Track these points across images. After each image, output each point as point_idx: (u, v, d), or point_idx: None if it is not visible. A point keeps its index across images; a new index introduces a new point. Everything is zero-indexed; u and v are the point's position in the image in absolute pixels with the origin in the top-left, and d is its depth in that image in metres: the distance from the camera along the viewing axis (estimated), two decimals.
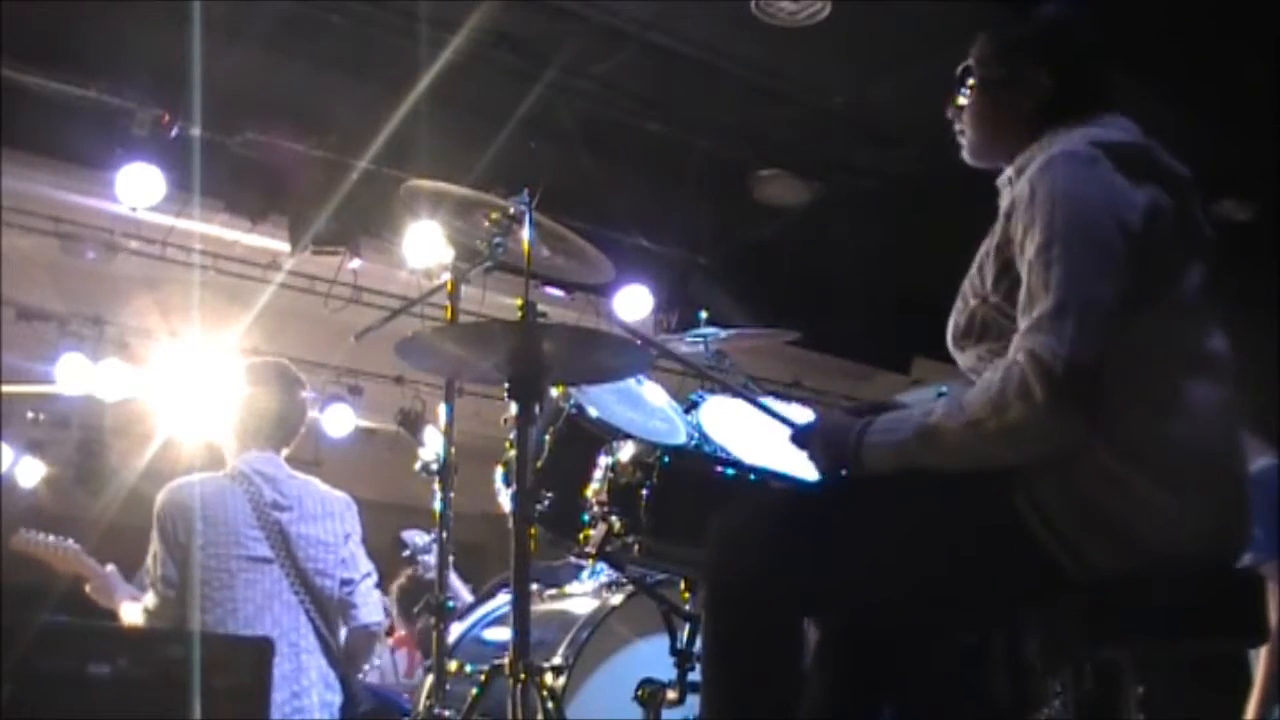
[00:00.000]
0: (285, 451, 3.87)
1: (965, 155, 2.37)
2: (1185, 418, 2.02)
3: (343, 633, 3.77)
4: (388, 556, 4.95)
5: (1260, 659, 3.48)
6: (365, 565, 3.86)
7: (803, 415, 2.64)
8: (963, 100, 2.35)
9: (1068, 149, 2.11)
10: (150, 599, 3.62)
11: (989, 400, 1.96)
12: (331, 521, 3.80)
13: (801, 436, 2.29)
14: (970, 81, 2.33)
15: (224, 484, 3.72)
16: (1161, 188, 2.11)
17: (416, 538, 5.07)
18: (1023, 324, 2.00)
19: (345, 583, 3.76)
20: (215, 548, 3.59)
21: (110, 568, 4.02)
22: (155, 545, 3.63)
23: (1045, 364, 1.91)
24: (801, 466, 2.34)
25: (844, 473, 2.18)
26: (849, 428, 2.14)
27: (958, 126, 2.37)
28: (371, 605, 3.85)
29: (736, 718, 2.11)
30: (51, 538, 4.06)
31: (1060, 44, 2.31)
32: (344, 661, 3.72)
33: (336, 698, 3.64)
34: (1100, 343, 1.93)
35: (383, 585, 4.23)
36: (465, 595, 4.78)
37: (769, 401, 2.70)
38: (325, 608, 3.69)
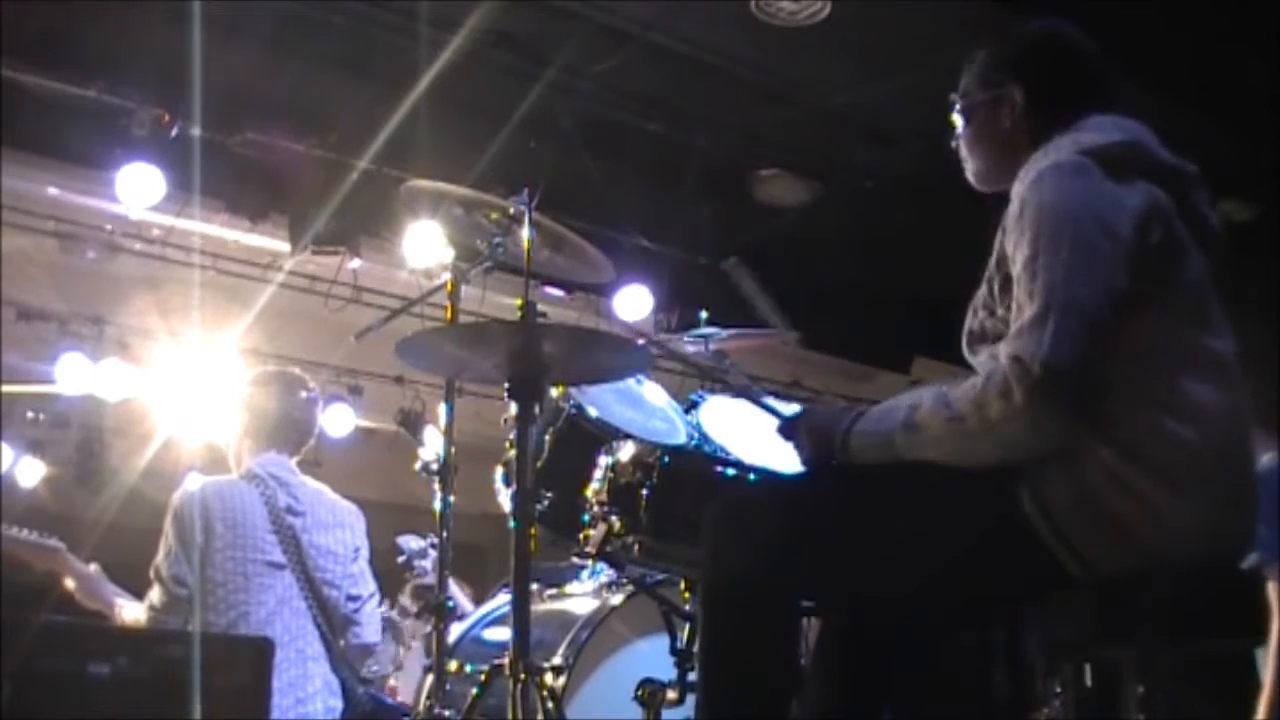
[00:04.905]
0: (297, 458, 3.87)
1: (973, 182, 2.42)
2: (1191, 419, 2.02)
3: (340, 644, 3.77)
4: (387, 557, 4.94)
5: (1269, 660, 3.45)
6: (371, 585, 3.86)
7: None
8: (959, 130, 2.41)
9: (1056, 160, 2.14)
10: (157, 595, 3.57)
11: (972, 398, 2.01)
12: (342, 531, 3.80)
13: (788, 426, 2.32)
14: (959, 111, 2.40)
15: (241, 486, 3.70)
16: (1155, 183, 2.13)
17: (411, 542, 5.04)
18: (1011, 332, 2.03)
19: (352, 598, 3.75)
20: (233, 550, 3.56)
21: (94, 567, 3.86)
22: (169, 542, 3.57)
23: (1024, 365, 1.95)
24: (797, 465, 2.34)
25: (829, 464, 2.20)
26: (839, 417, 2.17)
27: (962, 156, 2.42)
28: (374, 626, 3.84)
29: (734, 715, 2.11)
30: (33, 535, 3.81)
31: (1028, 57, 2.37)
32: (345, 668, 3.72)
33: (339, 704, 3.63)
34: (1080, 345, 1.96)
35: (384, 590, 4.21)
36: (465, 602, 4.75)
37: (771, 401, 2.70)
38: (331, 616, 3.68)
